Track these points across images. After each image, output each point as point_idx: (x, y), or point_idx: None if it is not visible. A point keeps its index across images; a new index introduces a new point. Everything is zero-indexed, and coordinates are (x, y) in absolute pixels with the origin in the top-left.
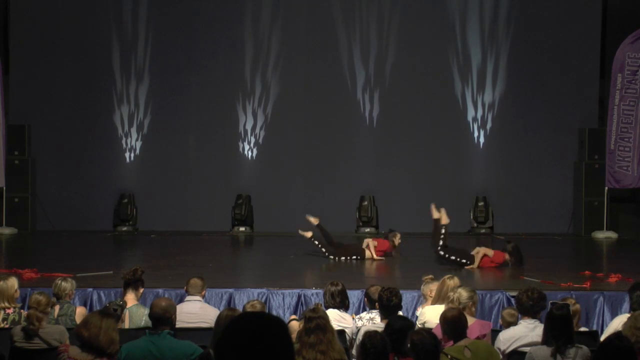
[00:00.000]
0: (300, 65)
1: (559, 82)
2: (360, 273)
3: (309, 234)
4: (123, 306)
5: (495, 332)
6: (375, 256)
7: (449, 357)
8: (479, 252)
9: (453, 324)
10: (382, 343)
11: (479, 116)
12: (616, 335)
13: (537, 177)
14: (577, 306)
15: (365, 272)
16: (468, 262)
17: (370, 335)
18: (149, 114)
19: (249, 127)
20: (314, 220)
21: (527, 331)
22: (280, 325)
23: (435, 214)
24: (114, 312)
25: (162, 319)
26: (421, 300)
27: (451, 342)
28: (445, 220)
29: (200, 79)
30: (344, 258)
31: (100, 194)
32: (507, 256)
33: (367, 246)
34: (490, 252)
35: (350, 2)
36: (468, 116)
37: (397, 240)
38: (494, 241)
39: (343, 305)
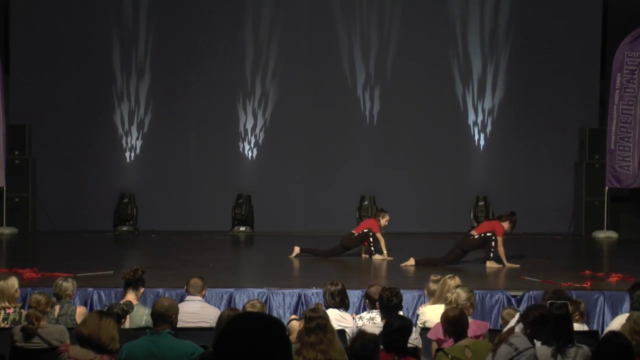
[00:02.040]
0: (301, 65)
1: (559, 82)
2: (361, 273)
3: (297, 250)
4: (129, 312)
5: (495, 332)
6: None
7: (450, 356)
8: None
9: (454, 323)
10: (371, 346)
11: (479, 120)
12: (614, 333)
13: (537, 177)
14: (583, 305)
15: (365, 272)
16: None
17: (356, 338)
18: (149, 113)
19: (249, 126)
20: (296, 251)
21: None
22: (278, 326)
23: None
24: (118, 315)
25: (164, 316)
26: (422, 299)
27: (452, 342)
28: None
29: (201, 78)
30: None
31: (101, 193)
32: (504, 224)
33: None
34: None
35: (351, 1)
36: (469, 119)
37: (384, 220)
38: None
39: (343, 305)
